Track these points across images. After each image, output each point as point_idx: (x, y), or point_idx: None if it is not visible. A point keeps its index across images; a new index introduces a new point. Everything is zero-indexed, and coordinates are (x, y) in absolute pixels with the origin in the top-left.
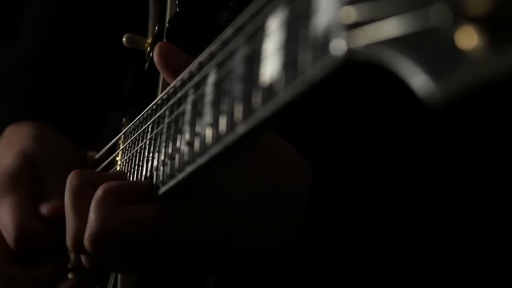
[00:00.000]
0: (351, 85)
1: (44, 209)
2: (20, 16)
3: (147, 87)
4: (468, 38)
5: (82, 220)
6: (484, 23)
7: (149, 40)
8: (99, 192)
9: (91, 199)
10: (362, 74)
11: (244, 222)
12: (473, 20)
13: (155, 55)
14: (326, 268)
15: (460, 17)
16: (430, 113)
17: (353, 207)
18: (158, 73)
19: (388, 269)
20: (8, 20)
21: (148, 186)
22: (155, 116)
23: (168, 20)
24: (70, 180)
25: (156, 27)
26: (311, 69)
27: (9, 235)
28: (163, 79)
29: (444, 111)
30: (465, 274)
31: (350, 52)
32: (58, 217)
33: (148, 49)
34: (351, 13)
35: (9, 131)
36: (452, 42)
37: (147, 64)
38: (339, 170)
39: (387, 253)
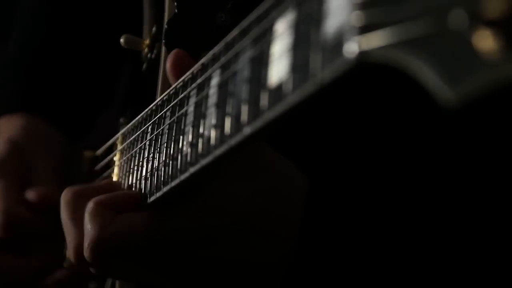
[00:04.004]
0: (347, 94)
1: (30, 195)
2: (10, 13)
3: (145, 88)
4: (484, 42)
5: (82, 231)
6: (500, 27)
7: (147, 41)
8: (90, 205)
9: None
10: (359, 82)
11: (237, 234)
12: (490, 24)
13: (168, 64)
14: (321, 282)
15: (477, 20)
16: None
17: (349, 221)
18: (156, 74)
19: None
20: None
21: (137, 195)
22: (156, 117)
23: (167, 21)
24: (64, 195)
25: (154, 28)
26: (321, 71)
27: None
28: (162, 81)
29: (452, 114)
30: (464, 274)
31: (363, 54)
32: (45, 204)
33: (146, 50)
34: (364, 17)
35: (0, 122)
36: (469, 45)
37: (144, 65)
38: (335, 183)
39: (383, 270)
